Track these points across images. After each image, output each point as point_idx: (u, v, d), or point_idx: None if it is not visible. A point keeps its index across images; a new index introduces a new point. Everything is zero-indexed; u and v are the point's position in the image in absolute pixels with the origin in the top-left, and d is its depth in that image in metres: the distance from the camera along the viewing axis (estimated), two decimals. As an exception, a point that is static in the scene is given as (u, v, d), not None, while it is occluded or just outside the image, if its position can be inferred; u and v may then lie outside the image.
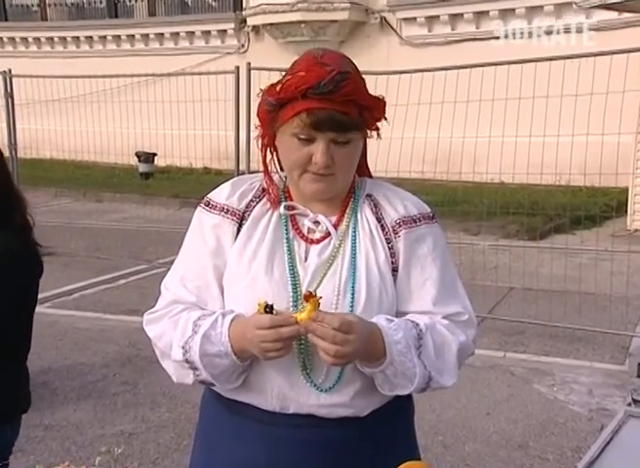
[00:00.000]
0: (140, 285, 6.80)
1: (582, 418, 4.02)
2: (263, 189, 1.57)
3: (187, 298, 1.52)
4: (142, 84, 12.72)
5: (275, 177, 1.58)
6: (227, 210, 1.55)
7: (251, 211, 1.55)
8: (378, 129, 1.54)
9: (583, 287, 6.14)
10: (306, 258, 1.51)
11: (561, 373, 4.64)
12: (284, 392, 1.48)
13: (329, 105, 1.41)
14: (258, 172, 1.63)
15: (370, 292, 1.47)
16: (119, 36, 17.55)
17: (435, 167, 7.01)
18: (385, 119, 1.54)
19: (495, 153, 6.26)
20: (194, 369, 1.46)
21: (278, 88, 1.44)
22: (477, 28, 13.55)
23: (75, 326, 5.63)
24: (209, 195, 1.60)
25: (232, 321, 1.45)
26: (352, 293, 1.46)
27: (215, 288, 1.52)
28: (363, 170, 1.61)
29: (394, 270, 1.52)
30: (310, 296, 1.37)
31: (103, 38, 17.78)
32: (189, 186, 12.10)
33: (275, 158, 1.56)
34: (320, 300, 1.37)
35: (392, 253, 1.52)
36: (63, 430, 3.86)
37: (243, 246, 1.52)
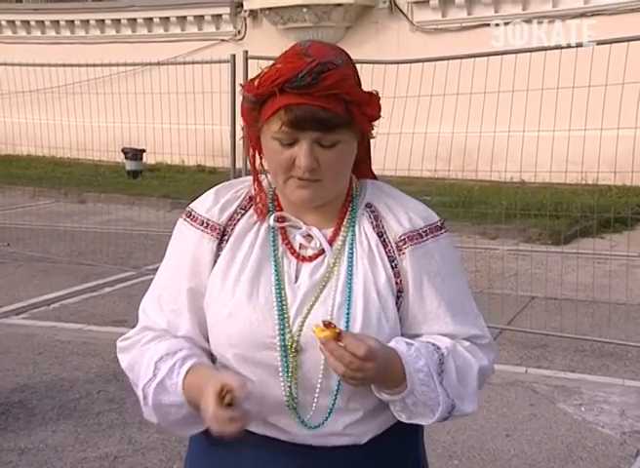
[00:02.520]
0: (127, 293, 6.79)
1: (614, 442, 3.99)
2: (250, 198, 1.55)
3: (159, 324, 1.54)
4: (129, 74, 12.75)
5: (265, 183, 1.56)
6: (207, 224, 1.54)
7: (234, 224, 1.53)
8: (371, 129, 1.49)
9: (613, 296, 6.12)
10: (297, 279, 1.49)
11: (589, 392, 4.62)
12: (272, 423, 1.49)
13: (309, 100, 1.37)
14: (248, 175, 1.62)
15: (367, 318, 1.45)
16: (103, 21, 17.57)
17: (449, 165, 7.03)
18: (380, 116, 1.49)
19: (515, 149, 6.25)
20: None
21: (256, 83, 1.42)
22: (496, 12, 13.54)
23: (55, 338, 5.63)
24: (192, 204, 1.59)
25: (190, 370, 1.45)
26: (347, 321, 1.45)
27: (186, 313, 1.53)
28: (365, 172, 1.58)
29: (399, 291, 1.50)
30: (330, 326, 1.36)
31: (86, 22, 17.80)
32: (181, 186, 12.11)
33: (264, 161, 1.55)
34: (338, 331, 1.36)
35: (396, 273, 1.50)
36: (41, 454, 3.84)
37: (226, 267, 1.51)
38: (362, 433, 1.50)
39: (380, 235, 1.51)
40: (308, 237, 1.51)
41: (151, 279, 1.65)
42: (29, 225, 9.38)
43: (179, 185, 12.29)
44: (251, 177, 1.57)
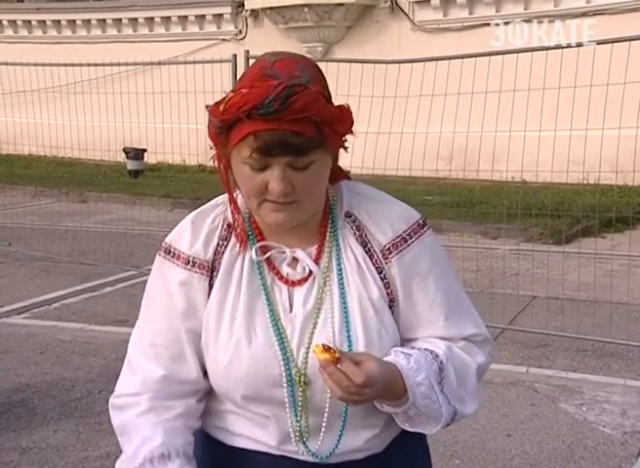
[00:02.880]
0: (129, 293, 6.79)
1: (615, 442, 3.99)
2: (229, 225, 1.50)
3: (157, 372, 1.47)
4: (131, 73, 12.76)
5: (240, 201, 1.50)
6: (194, 262, 1.48)
7: (220, 258, 1.48)
8: (344, 146, 1.44)
9: (615, 296, 6.11)
10: (291, 307, 1.46)
11: (591, 392, 4.62)
12: (288, 450, 1.49)
13: (278, 126, 1.31)
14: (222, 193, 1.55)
15: (368, 337, 1.44)
16: (104, 20, 17.58)
17: (450, 164, 7.03)
18: (352, 133, 1.43)
19: (516, 149, 6.24)
20: None
21: (221, 108, 1.36)
22: (497, 12, 13.54)
23: (57, 338, 5.63)
24: (168, 240, 1.52)
25: None
26: (349, 344, 1.43)
27: (190, 355, 1.48)
28: (337, 174, 1.52)
29: (392, 301, 1.48)
30: (329, 350, 1.35)
31: (87, 22, 17.80)
32: (182, 185, 12.11)
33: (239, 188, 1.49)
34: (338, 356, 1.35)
35: (386, 284, 1.47)
36: (42, 453, 3.84)
37: (219, 307, 1.46)
38: (381, 443, 1.52)
39: (365, 245, 1.47)
40: (294, 260, 1.47)
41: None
42: (31, 225, 9.39)
43: (180, 185, 12.30)
44: (222, 198, 1.52)
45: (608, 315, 5.75)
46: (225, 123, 1.36)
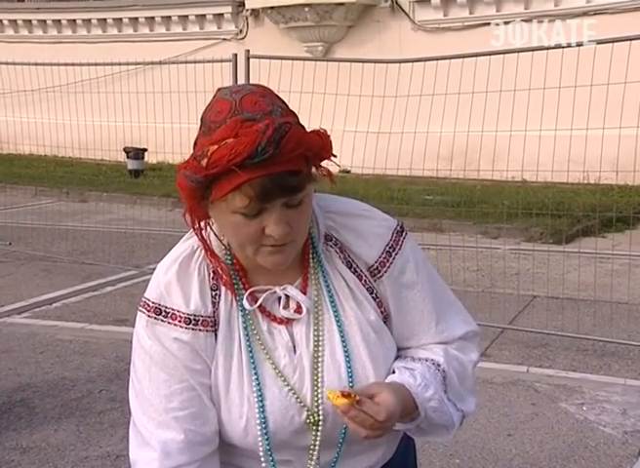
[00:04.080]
0: (129, 292, 6.79)
1: (616, 441, 3.99)
2: (214, 272, 1.43)
3: (178, 439, 1.39)
4: (131, 73, 12.75)
5: (213, 242, 1.44)
6: (197, 320, 1.40)
7: (217, 310, 1.42)
8: (328, 173, 1.38)
9: (615, 295, 6.11)
10: (295, 347, 1.42)
11: (591, 391, 4.62)
12: None
13: (274, 170, 1.26)
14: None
15: (375, 362, 1.43)
16: (105, 20, 17.58)
17: (451, 164, 7.01)
18: (335, 156, 1.38)
19: (516, 148, 6.24)
20: None
21: (204, 163, 1.26)
22: (497, 11, 13.53)
23: (57, 337, 5.63)
24: (154, 299, 1.42)
25: None
26: (354, 374, 1.42)
27: (211, 408, 1.42)
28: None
29: (385, 317, 1.47)
30: (349, 396, 1.33)
31: (88, 22, 17.81)
32: (182, 185, 12.08)
33: (212, 230, 1.43)
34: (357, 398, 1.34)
35: (379, 303, 1.46)
36: (43, 453, 3.84)
37: (226, 364, 1.42)
38: (386, 454, 1.54)
39: (350, 266, 1.44)
40: (285, 297, 1.43)
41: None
42: (31, 224, 9.38)
43: (180, 185, 12.27)
44: (192, 243, 1.45)
45: (608, 315, 5.75)
46: (210, 177, 1.28)
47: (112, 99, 9.40)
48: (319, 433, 1.42)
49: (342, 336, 1.42)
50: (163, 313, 1.41)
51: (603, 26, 10.56)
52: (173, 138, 9.04)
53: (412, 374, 1.43)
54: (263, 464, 1.43)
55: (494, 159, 6.54)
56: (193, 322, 1.40)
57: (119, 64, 9.70)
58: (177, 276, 1.42)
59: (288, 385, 1.40)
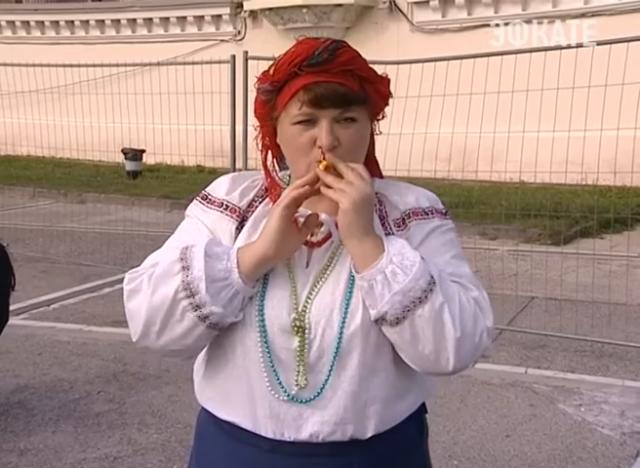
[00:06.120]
0: (127, 294, 6.79)
1: (614, 442, 3.99)
2: (266, 189, 1.57)
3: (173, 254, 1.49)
4: (129, 74, 12.74)
5: (276, 179, 1.58)
6: (227, 206, 1.55)
7: (252, 210, 1.55)
8: (384, 107, 1.54)
9: (613, 296, 6.11)
10: (308, 264, 1.51)
11: (589, 392, 4.62)
12: (267, 413, 1.48)
13: (327, 78, 1.42)
14: (256, 169, 1.63)
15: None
16: (103, 21, 17.58)
17: (449, 165, 7.02)
18: (391, 95, 1.54)
19: (514, 150, 6.25)
20: (190, 296, 1.43)
21: (272, 71, 1.46)
22: (496, 12, 13.55)
23: (55, 339, 5.62)
24: (207, 189, 1.60)
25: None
26: (350, 298, 1.46)
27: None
28: (372, 167, 1.56)
29: None
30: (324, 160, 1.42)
31: (86, 23, 17.81)
32: (181, 186, 12.07)
33: (276, 161, 1.56)
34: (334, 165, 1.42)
35: None
36: (41, 454, 3.84)
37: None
38: (365, 422, 1.48)
39: (382, 219, 1.52)
40: (319, 224, 1.52)
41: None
42: (29, 226, 9.38)
43: (178, 186, 12.27)
44: (261, 172, 1.59)
45: (606, 316, 5.76)
46: (276, 84, 1.45)
47: (110, 101, 9.39)
48: (305, 341, 1.45)
49: (351, 273, 1.46)
50: (207, 199, 1.58)
51: (602, 28, 10.58)
52: (171, 140, 9.06)
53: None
54: (260, 350, 1.46)
55: (492, 160, 6.54)
56: (224, 206, 1.55)
57: (117, 66, 9.72)
58: (232, 177, 1.61)
59: (293, 285, 1.48)
